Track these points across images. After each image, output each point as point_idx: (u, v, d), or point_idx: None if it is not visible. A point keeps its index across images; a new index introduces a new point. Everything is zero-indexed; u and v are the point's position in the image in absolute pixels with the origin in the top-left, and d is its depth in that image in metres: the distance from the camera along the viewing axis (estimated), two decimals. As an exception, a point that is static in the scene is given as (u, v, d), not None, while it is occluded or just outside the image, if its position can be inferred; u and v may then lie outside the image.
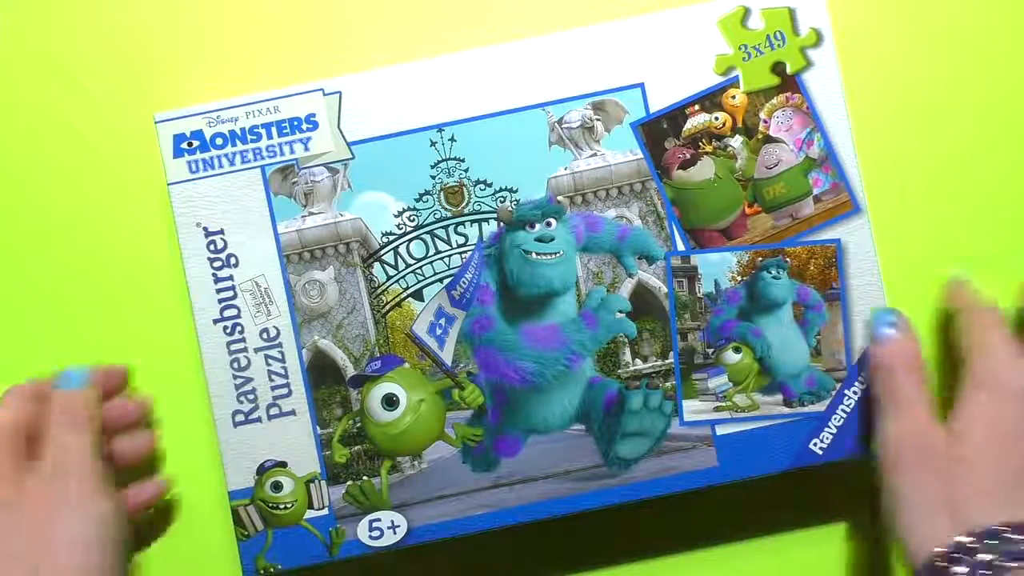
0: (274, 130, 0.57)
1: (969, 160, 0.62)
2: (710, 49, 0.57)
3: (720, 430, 0.57)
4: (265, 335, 0.57)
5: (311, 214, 0.57)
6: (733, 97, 0.57)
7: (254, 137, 0.57)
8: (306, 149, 0.57)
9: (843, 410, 0.57)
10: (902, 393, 0.54)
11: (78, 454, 0.53)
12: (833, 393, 0.57)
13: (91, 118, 0.62)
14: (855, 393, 0.57)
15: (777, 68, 0.57)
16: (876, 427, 0.55)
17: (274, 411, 0.57)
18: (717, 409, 0.57)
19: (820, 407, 0.57)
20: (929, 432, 0.53)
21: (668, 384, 0.57)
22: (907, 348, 0.55)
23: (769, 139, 0.57)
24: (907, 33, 0.62)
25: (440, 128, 0.57)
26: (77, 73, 0.63)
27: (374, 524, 0.56)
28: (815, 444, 0.57)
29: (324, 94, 0.57)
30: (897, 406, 0.54)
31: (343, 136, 0.57)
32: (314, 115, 0.57)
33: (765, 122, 0.57)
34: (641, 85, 0.57)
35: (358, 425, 0.57)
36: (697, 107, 0.57)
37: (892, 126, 0.61)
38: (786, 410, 0.57)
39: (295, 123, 0.57)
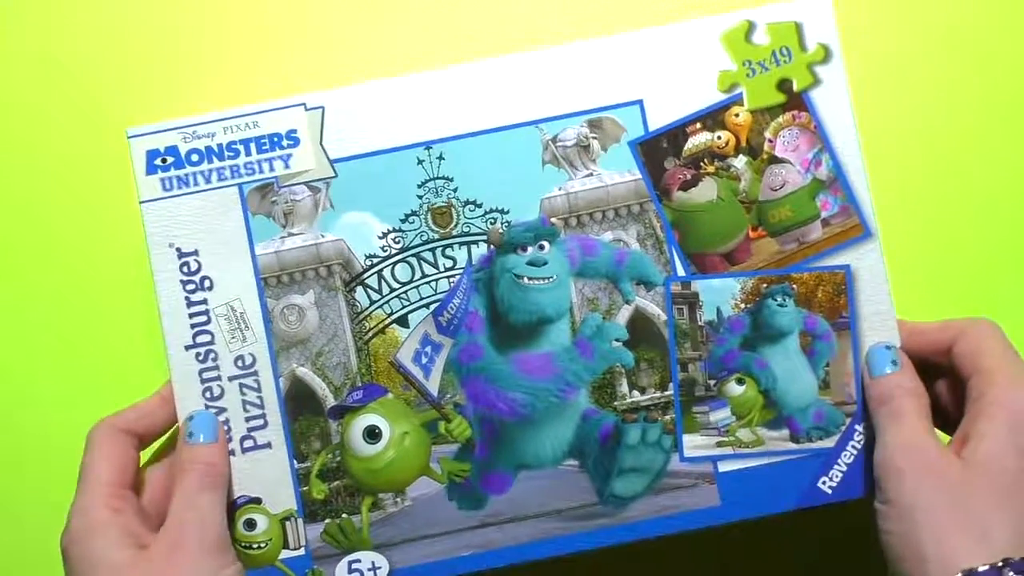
0: (253, 146, 0.55)
1: (987, 182, 0.61)
2: (712, 65, 0.55)
3: (723, 467, 0.55)
4: (240, 363, 0.54)
5: (291, 235, 0.55)
6: (737, 115, 0.55)
7: (232, 154, 0.55)
8: (286, 166, 0.55)
9: (853, 447, 0.54)
10: (905, 407, 0.52)
11: (208, 517, 0.51)
12: (843, 428, 0.55)
13: (62, 133, 0.62)
14: (866, 429, 0.54)
15: (783, 85, 0.55)
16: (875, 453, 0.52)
17: (248, 444, 0.54)
18: (720, 444, 0.55)
19: (829, 443, 0.55)
20: (936, 448, 0.50)
21: (667, 417, 0.55)
22: (908, 379, 0.53)
23: (774, 159, 0.56)
24: (919, 50, 0.62)
25: (428, 146, 0.55)
26: (48, 87, 0.62)
27: (353, 565, 0.54)
28: (824, 482, 0.54)
29: (306, 109, 0.55)
30: (900, 420, 0.51)
31: (325, 153, 0.55)
32: (295, 131, 0.55)
33: (770, 141, 0.55)
34: (640, 102, 0.55)
35: (338, 459, 0.55)
36: (699, 125, 0.55)
37: (904, 146, 0.61)
38: (793, 446, 0.55)
39: (275, 139, 0.55)
